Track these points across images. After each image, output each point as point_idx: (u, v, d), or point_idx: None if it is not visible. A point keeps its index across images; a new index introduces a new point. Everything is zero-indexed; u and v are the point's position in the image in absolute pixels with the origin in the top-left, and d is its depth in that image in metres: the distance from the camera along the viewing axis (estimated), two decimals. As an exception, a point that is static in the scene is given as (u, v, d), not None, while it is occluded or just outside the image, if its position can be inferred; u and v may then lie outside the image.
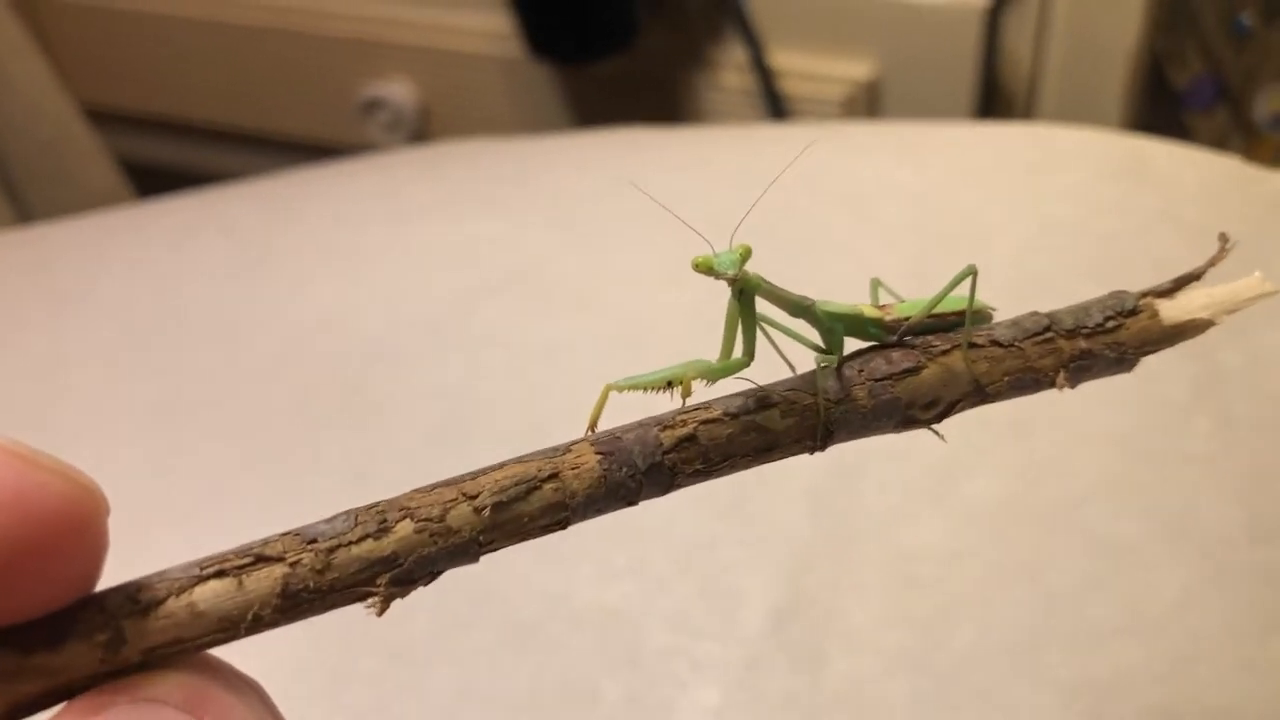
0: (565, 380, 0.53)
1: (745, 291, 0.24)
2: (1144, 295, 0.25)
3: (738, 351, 0.25)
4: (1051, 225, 0.56)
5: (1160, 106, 0.99)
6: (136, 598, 0.19)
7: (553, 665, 0.42)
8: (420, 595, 0.21)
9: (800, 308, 0.25)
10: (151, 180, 0.99)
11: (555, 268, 0.59)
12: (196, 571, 0.20)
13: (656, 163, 0.65)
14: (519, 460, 0.22)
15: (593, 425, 0.23)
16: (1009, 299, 0.27)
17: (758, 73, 0.98)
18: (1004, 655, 0.41)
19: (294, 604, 0.20)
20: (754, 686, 0.41)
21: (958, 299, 0.25)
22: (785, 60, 0.99)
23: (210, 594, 0.20)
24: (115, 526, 0.53)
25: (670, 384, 0.23)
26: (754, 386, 0.23)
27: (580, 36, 1.02)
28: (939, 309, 0.25)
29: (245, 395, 0.56)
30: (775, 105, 0.99)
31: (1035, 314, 0.25)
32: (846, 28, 0.98)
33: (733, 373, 0.24)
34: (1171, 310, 0.25)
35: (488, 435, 0.51)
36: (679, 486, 0.23)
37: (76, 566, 0.19)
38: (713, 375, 0.24)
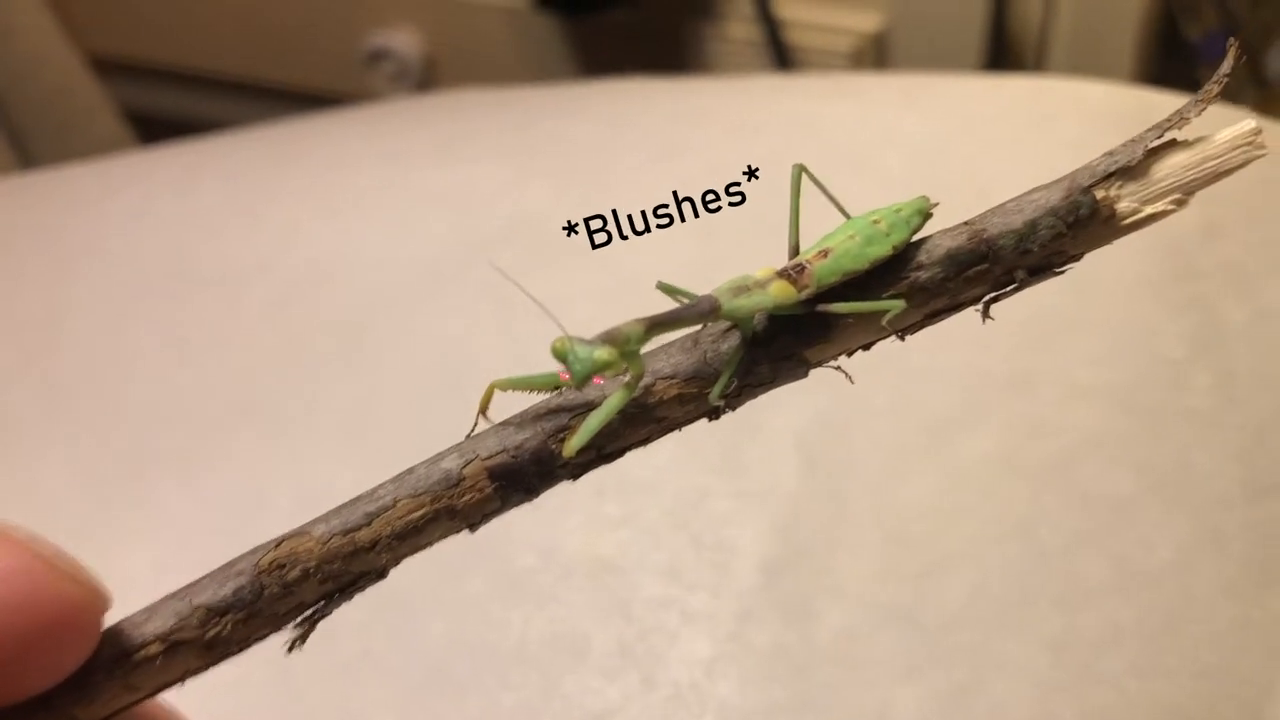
0: (561, 331, 0.52)
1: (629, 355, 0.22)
2: (1105, 178, 0.21)
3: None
4: (1055, 176, 0.55)
5: (1173, 60, 0.97)
6: (78, 691, 0.21)
7: (543, 616, 0.43)
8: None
9: (703, 320, 0.23)
10: (155, 130, 0.98)
11: (555, 217, 0.58)
12: (130, 661, 0.21)
13: (659, 112, 0.65)
14: (411, 494, 0.22)
15: (483, 410, 0.24)
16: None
17: (764, 24, 0.97)
18: (994, 611, 0.41)
19: (214, 660, 0.22)
20: (745, 638, 0.41)
21: (883, 237, 0.22)
22: (792, 11, 0.98)
23: (142, 674, 0.21)
24: (115, 472, 0.52)
25: (557, 388, 0.23)
26: (650, 378, 0.23)
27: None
28: (855, 261, 0.22)
29: (244, 341, 0.56)
30: (781, 57, 0.98)
31: (971, 234, 0.21)
32: (855, -22, 0.96)
33: (618, 408, 0.22)
34: (1132, 201, 0.21)
35: (483, 385, 0.51)
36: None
37: (69, 659, 0.20)
38: (605, 417, 0.22)
